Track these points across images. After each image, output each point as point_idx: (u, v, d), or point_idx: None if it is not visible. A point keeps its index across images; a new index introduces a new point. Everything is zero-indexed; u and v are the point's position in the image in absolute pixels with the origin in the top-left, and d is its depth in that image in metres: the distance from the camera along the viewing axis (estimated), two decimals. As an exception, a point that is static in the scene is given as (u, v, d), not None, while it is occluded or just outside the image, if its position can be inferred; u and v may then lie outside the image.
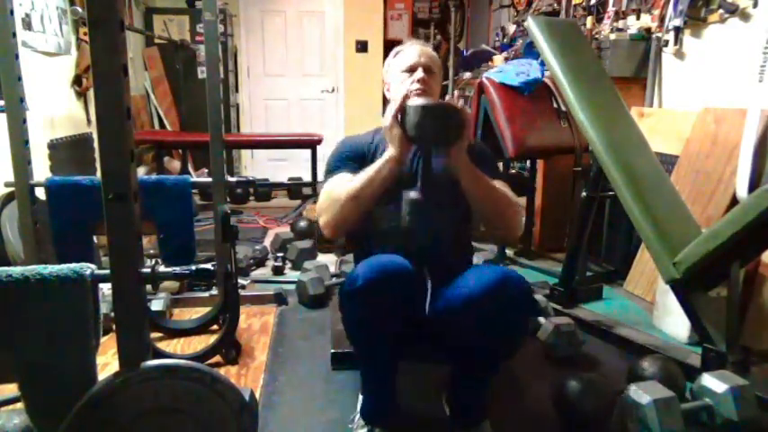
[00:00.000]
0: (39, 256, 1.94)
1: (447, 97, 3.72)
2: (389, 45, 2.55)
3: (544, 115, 2.95)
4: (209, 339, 1.99)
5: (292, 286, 2.55)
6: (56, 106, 3.22)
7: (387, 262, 1.33)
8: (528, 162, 3.33)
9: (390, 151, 1.40)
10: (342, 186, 1.44)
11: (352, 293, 1.32)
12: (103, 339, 1.63)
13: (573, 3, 3.58)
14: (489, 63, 4.28)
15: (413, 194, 1.45)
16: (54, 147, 3.03)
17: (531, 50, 3.28)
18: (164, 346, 2.01)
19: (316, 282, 2.45)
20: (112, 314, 1.00)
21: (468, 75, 4.70)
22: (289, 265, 2.93)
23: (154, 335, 2.03)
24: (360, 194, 1.40)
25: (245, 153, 5.77)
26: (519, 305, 1.35)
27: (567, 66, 2.08)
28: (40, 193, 1.95)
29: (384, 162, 1.40)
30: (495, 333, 1.35)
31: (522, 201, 3.43)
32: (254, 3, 5.56)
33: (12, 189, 1.98)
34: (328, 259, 2.94)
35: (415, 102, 1.41)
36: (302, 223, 3.35)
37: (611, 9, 3.14)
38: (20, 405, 1.38)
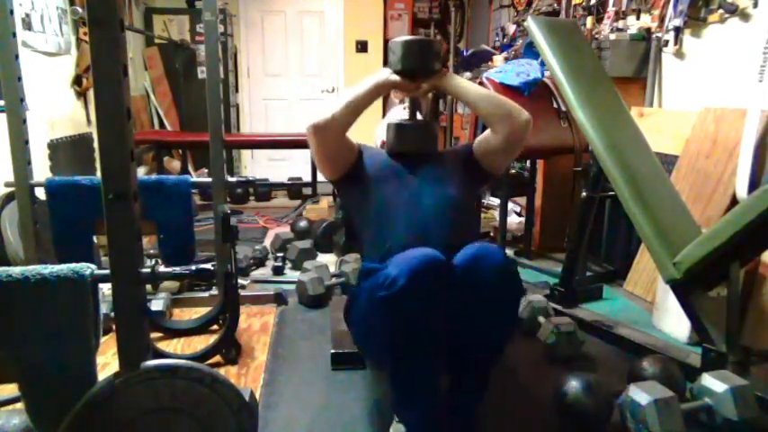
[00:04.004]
0: (39, 256, 1.94)
1: (449, 96, 3.74)
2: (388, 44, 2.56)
3: (544, 115, 2.95)
4: (209, 339, 1.99)
5: (292, 286, 2.55)
6: (56, 106, 3.22)
7: (421, 254, 1.24)
8: (528, 162, 3.34)
9: (385, 73, 1.63)
10: (337, 99, 1.62)
11: (393, 297, 1.20)
12: (103, 339, 1.63)
13: (573, 3, 3.57)
14: (489, 63, 4.28)
15: (401, 120, 1.74)
16: (54, 147, 3.03)
17: (531, 50, 3.28)
18: (164, 346, 2.01)
19: (316, 282, 2.45)
20: (112, 314, 1.00)
21: (468, 75, 4.69)
22: (289, 265, 2.93)
23: (154, 335, 2.03)
24: (352, 102, 1.57)
25: (245, 153, 5.77)
26: (498, 277, 1.30)
27: (567, 66, 2.08)
28: (40, 193, 1.95)
29: (381, 77, 1.61)
30: (479, 309, 1.30)
31: (522, 201, 3.44)
32: (254, 3, 5.56)
33: (12, 189, 1.99)
34: (328, 259, 2.94)
35: (398, 38, 1.62)
36: (302, 223, 3.35)
37: (611, 9, 3.14)
38: (20, 405, 1.38)
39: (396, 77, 1.61)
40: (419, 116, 1.81)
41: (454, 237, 1.55)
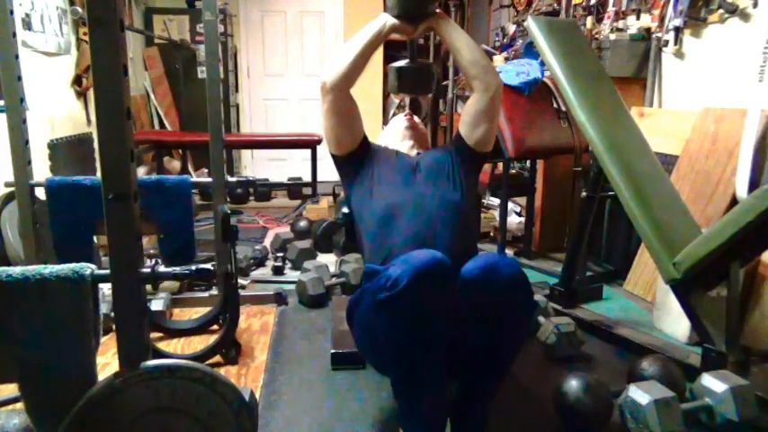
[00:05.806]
0: (39, 256, 1.94)
1: (449, 96, 3.74)
2: (389, 45, 2.56)
3: (544, 115, 2.95)
4: (209, 339, 1.99)
5: (292, 286, 2.55)
6: (56, 106, 3.22)
7: (425, 255, 1.21)
8: (528, 162, 3.33)
9: (384, 18, 1.71)
10: (342, 51, 1.69)
11: (395, 298, 1.17)
12: (103, 339, 1.63)
13: (573, 3, 3.57)
14: (489, 63, 4.28)
15: (401, 63, 1.83)
16: (54, 147, 3.03)
17: (531, 50, 3.27)
18: (164, 346, 2.01)
19: (316, 282, 2.45)
20: (112, 314, 1.00)
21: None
22: (289, 265, 2.93)
23: (154, 335, 2.03)
24: (360, 48, 1.65)
25: (245, 153, 5.76)
26: (512, 287, 1.28)
27: (567, 66, 2.08)
28: (40, 193, 1.95)
29: (380, 22, 1.69)
30: (491, 319, 1.28)
31: (522, 201, 3.44)
32: (254, 3, 5.56)
33: (12, 189, 1.99)
34: (328, 259, 2.94)
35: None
36: (302, 223, 3.35)
37: (611, 9, 3.14)
38: (20, 405, 1.38)
39: (395, 21, 1.68)
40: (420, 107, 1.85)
41: (457, 239, 1.55)
